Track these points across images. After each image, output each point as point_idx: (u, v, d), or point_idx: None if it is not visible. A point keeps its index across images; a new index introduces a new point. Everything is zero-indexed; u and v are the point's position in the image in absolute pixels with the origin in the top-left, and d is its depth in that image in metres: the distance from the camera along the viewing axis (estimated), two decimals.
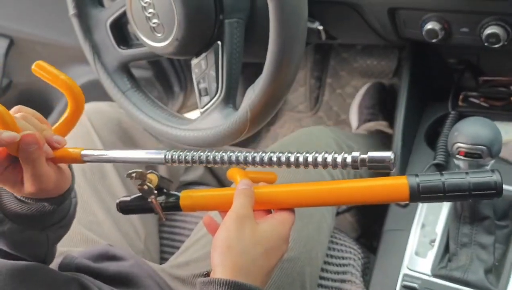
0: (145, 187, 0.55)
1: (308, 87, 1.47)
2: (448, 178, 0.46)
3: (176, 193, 0.57)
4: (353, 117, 1.33)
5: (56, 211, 0.56)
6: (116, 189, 0.83)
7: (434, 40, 0.69)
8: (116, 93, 0.78)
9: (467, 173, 0.45)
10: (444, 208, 0.71)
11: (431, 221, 0.70)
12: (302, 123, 1.50)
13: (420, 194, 0.46)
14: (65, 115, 0.58)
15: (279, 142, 0.83)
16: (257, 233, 0.48)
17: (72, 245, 0.76)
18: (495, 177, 0.45)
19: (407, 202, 0.48)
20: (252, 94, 0.62)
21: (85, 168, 0.82)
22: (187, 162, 0.54)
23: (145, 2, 0.65)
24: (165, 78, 1.42)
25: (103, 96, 1.02)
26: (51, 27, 1.21)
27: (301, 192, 0.51)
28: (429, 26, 0.69)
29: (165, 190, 0.57)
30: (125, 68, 0.79)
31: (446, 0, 0.65)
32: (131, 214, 0.61)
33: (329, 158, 0.48)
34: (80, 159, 0.56)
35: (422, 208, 0.72)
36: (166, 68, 1.42)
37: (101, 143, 0.84)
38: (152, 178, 0.56)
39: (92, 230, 0.77)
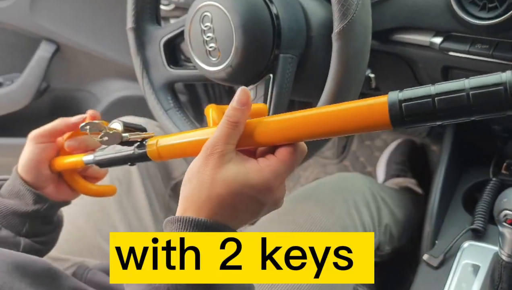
0: (106, 138, 0.52)
1: None
2: (440, 90, 0.35)
3: (144, 142, 0.53)
4: (380, 170, 1.31)
5: (36, 217, 0.58)
6: (140, 205, 0.82)
7: None
8: (159, 110, 0.78)
9: (466, 78, 0.35)
10: (479, 276, 0.68)
11: (464, 288, 0.67)
12: (327, 169, 1.48)
13: (404, 117, 0.37)
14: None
15: (316, 182, 0.81)
16: (219, 171, 0.42)
17: (89, 256, 0.74)
18: (505, 76, 0.33)
19: (390, 129, 0.38)
20: None
21: (113, 178, 0.81)
22: None
23: (206, 26, 0.66)
24: (198, 105, 1.44)
25: (136, 112, 1.03)
26: (99, 39, 1.24)
27: (280, 122, 0.44)
28: None
29: (130, 139, 0.53)
30: (170, 87, 0.80)
31: (507, 67, 0.64)
32: (106, 166, 0.58)
33: None
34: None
35: (456, 273, 0.69)
36: (201, 95, 1.44)
37: None
38: (116, 127, 0.53)
39: None
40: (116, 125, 0.54)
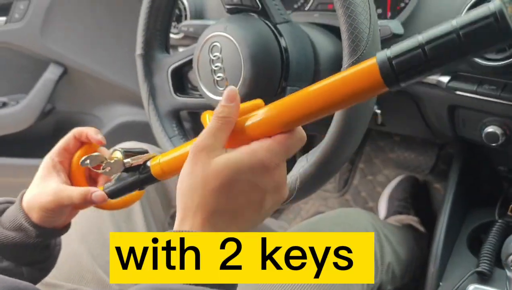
0: (108, 168, 0.53)
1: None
2: (429, 37, 0.34)
3: (147, 163, 0.53)
4: (382, 206, 1.29)
5: (37, 247, 0.57)
6: (139, 232, 0.80)
7: (493, 144, 0.68)
8: (163, 137, 0.78)
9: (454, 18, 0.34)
10: None
11: None
12: (328, 202, 1.47)
13: (397, 75, 0.35)
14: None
15: (318, 216, 0.80)
16: (209, 166, 0.40)
17: (82, 283, 0.72)
18: (493, 6, 0.32)
19: (386, 90, 0.36)
20: (305, 163, 0.61)
21: None
22: None
23: (214, 55, 0.66)
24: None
25: (139, 138, 1.02)
26: (107, 64, 1.25)
27: (276, 109, 0.42)
28: (489, 129, 0.68)
29: (133, 165, 0.53)
30: (175, 115, 0.80)
31: None
32: (117, 197, 0.57)
33: None
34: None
35: None
36: None
37: None
38: (117, 155, 0.54)
39: (106, 272, 0.74)
40: (117, 153, 0.54)
